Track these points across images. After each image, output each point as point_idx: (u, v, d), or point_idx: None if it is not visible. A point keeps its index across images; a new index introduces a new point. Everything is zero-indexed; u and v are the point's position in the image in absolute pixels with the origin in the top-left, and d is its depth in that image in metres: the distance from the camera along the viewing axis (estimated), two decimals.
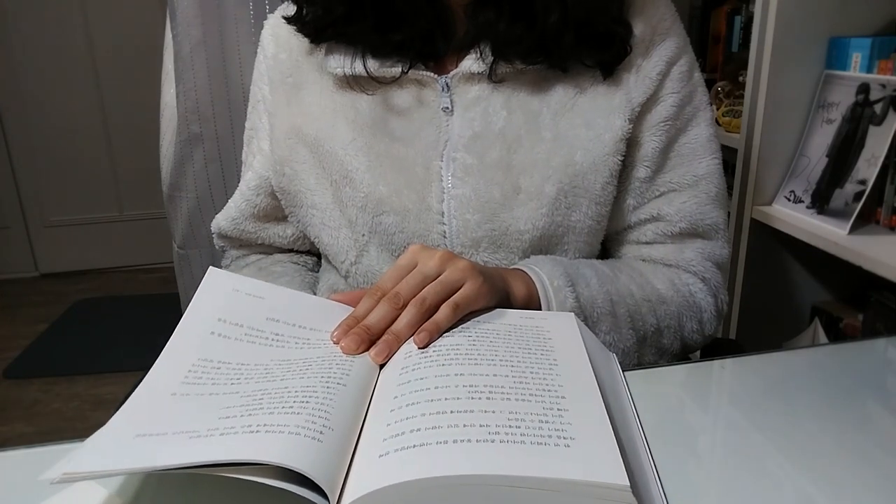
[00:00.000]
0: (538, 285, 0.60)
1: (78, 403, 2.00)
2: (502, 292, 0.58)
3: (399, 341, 0.51)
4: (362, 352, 0.50)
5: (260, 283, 0.57)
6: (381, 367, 0.49)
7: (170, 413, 0.42)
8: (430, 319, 0.51)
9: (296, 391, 0.43)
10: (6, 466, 0.47)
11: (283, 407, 0.41)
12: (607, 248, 0.74)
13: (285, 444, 0.37)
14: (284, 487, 0.35)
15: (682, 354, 0.70)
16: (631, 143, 0.68)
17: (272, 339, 0.51)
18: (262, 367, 0.47)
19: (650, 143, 0.68)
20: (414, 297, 0.52)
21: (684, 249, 0.70)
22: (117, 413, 0.42)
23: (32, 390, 2.07)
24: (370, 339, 0.50)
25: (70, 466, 0.36)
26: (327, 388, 0.43)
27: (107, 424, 0.41)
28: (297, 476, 0.35)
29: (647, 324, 0.65)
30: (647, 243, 0.71)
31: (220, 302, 0.53)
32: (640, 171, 0.69)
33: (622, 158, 0.67)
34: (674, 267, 0.70)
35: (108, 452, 0.38)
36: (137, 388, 0.44)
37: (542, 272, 0.61)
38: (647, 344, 0.66)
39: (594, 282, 0.63)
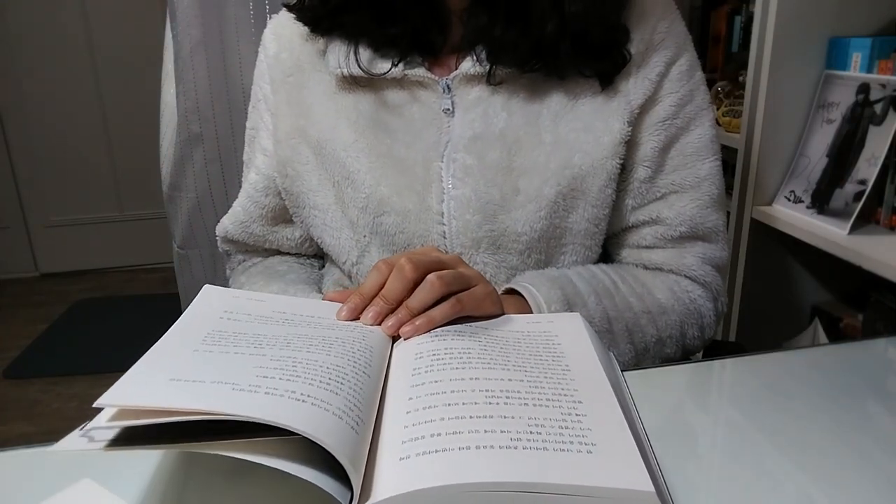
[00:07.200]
0: (534, 310, 0.60)
1: (78, 403, 1.99)
2: (501, 312, 0.57)
3: (411, 315, 0.51)
4: (378, 324, 0.51)
5: (258, 292, 0.56)
6: (388, 360, 0.49)
7: (198, 364, 0.41)
8: (426, 313, 0.51)
9: (328, 368, 0.42)
10: (6, 466, 0.47)
11: (320, 382, 0.40)
12: (608, 250, 0.74)
13: (333, 428, 0.36)
14: (305, 476, 0.34)
15: (683, 357, 0.70)
16: (630, 145, 0.67)
17: (283, 321, 0.50)
18: (280, 337, 0.47)
19: (649, 143, 0.68)
20: (426, 274, 0.52)
21: (684, 254, 0.69)
22: (138, 362, 0.41)
23: (32, 390, 2.07)
24: (389, 310, 0.52)
25: (108, 398, 0.36)
26: (356, 374, 0.43)
27: (131, 369, 0.40)
28: (320, 460, 0.35)
29: (647, 336, 0.65)
30: (646, 247, 0.70)
31: (222, 303, 0.52)
32: (640, 172, 0.68)
33: (621, 161, 0.66)
34: (674, 273, 0.70)
35: (146, 389, 0.37)
36: (152, 348, 0.43)
37: (540, 295, 0.60)
38: (649, 355, 0.66)
39: (591, 300, 0.63)
